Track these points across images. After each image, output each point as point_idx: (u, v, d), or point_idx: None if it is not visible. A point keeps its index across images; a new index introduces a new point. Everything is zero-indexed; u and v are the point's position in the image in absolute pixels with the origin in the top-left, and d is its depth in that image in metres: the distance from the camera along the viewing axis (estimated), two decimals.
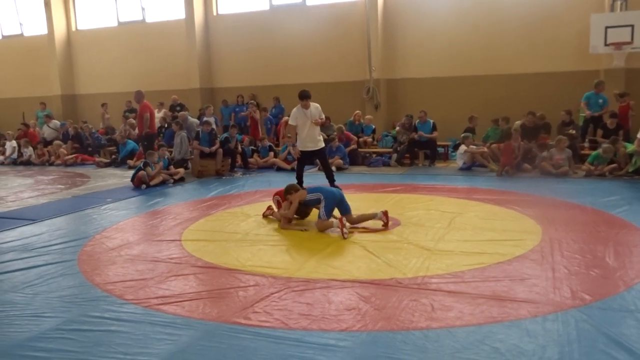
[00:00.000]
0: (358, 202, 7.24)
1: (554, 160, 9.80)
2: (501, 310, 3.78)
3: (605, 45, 11.31)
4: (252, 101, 14.53)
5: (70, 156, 14.09)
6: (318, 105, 8.22)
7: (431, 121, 11.94)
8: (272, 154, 12.25)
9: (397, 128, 12.50)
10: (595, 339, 3.30)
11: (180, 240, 5.97)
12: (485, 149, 10.97)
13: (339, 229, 5.91)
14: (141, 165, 9.96)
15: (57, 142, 14.66)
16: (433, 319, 3.67)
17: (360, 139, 12.89)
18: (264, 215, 6.96)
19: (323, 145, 8.32)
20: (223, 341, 3.45)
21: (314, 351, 3.27)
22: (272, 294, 4.23)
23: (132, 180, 9.83)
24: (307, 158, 8.40)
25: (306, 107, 8.05)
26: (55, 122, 16.06)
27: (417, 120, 12.05)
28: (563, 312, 3.71)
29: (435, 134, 11.90)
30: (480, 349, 3.23)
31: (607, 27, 11.27)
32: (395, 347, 3.29)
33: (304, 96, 8.04)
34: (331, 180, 8.15)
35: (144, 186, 9.62)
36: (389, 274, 4.60)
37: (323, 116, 8.27)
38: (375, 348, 3.30)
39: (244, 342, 3.43)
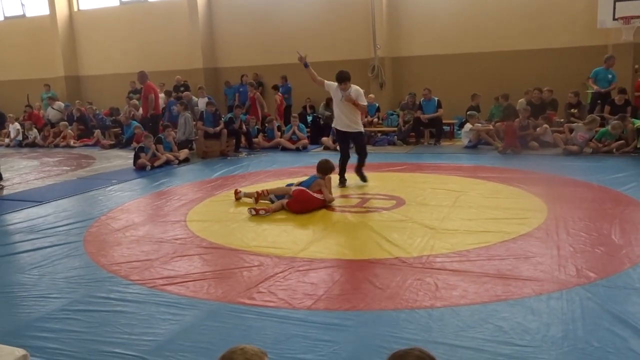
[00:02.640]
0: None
1: (577, 136, 9.65)
2: (505, 288, 3.78)
3: (614, 19, 11.12)
4: (252, 81, 14.37)
5: (73, 140, 14.13)
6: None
7: (436, 99, 11.80)
8: (278, 134, 12.17)
9: (400, 112, 12.29)
10: (599, 317, 3.30)
11: (185, 221, 5.98)
12: (491, 127, 10.87)
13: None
14: (136, 150, 9.95)
15: (62, 123, 14.67)
16: (437, 298, 3.67)
17: (365, 119, 12.77)
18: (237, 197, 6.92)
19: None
20: (227, 321, 3.47)
21: (318, 330, 3.28)
22: (277, 273, 4.24)
23: (134, 164, 9.86)
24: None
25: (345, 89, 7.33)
26: (59, 104, 16.03)
27: (422, 98, 11.92)
28: (568, 290, 3.70)
29: (440, 111, 11.76)
30: (484, 327, 3.23)
31: (615, 1, 11.06)
32: (399, 326, 3.30)
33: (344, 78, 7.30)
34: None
35: (148, 168, 9.61)
36: (393, 253, 4.59)
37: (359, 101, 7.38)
38: (379, 327, 3.30)
39: (248, 321, 3.45)
